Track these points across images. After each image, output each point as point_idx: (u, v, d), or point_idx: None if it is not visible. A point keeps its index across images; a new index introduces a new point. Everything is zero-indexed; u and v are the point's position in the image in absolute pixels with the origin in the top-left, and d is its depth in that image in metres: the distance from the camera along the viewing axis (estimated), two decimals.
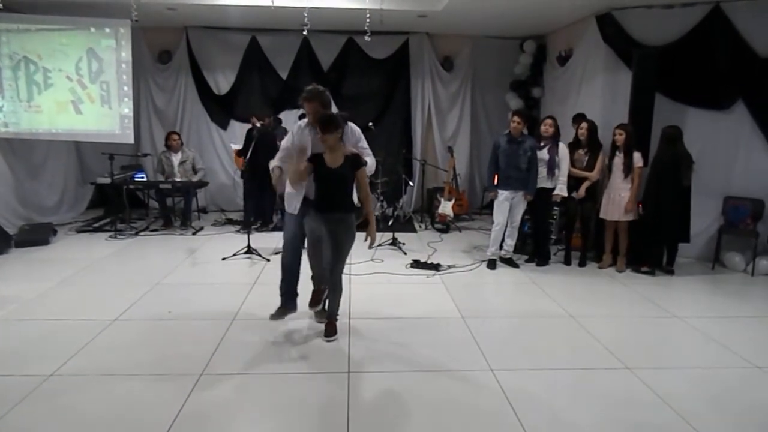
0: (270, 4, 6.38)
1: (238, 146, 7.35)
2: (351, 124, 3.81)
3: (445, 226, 7.53)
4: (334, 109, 4.30)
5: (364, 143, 3.84)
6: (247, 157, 6.08)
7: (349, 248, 3.70)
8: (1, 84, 6.70)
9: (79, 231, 7.01)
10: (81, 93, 6.91)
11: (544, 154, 5.55)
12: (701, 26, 5.87)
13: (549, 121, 5.63)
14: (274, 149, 4.26)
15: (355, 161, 3.58)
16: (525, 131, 5.54)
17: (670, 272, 5.58)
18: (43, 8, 6.76)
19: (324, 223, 3.61)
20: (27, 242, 6.17)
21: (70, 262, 5.56)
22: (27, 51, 6.75)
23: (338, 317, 3.90)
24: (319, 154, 3.55)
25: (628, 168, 5.41)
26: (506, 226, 5.65)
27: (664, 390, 3.14)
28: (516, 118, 5.45)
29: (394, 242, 6.43)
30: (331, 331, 3.81)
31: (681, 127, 5.48)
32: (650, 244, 5.58)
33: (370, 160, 3.77)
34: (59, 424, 2.70)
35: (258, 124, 6.98)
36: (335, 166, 3.52)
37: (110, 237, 6.68)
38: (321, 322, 3.94)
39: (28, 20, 6.73)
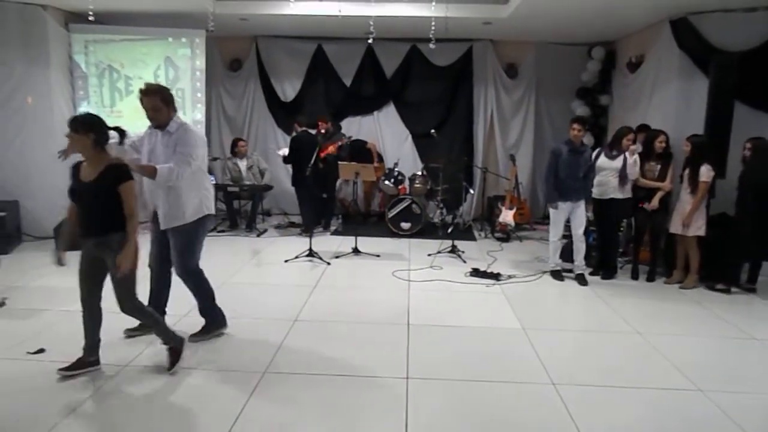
0: (337, 13, 6.53)
1: (284, 152, 7.44)
2: (186, 125, 3.65)
3: (505, 235, 7.42)
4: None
5: (184, 148, 3.45)
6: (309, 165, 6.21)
7: (128, 274, 3.07)
8: (88, 91, 7.20)
9: None
10: None
11: (617, 163, 5.39)
12: None
13: (631, 135, 5.42)
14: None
15: (117, 173, 3.00)
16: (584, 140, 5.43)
17: (752, 290, 5.25)
18: (126, 19, 7.20)
19: (91, 249, 3.09)
20: None
21: (142, 260, 5.84)
22: (111, 60, 7.22)
23: (176, 344, 3.37)
24: (78, 163, 3.08)
25: (692, 181, 5.16)
26: (561, 239, 5.54)
27: (740, 415, 2.96)
28: (577, 126, 5.33)
29: (454, 250, 6.40)
30: (172, 361, 3.31)
31: (765, 138, 5.17)
32: (728, 261, 5.28)
33: (170, 167, 3.37)
34: (130, 413, 2.86)
35: (299, 130, 7.19)
36: (88, 180, 2.99)
37: None
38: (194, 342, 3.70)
39: (112, 31, 7.21)
